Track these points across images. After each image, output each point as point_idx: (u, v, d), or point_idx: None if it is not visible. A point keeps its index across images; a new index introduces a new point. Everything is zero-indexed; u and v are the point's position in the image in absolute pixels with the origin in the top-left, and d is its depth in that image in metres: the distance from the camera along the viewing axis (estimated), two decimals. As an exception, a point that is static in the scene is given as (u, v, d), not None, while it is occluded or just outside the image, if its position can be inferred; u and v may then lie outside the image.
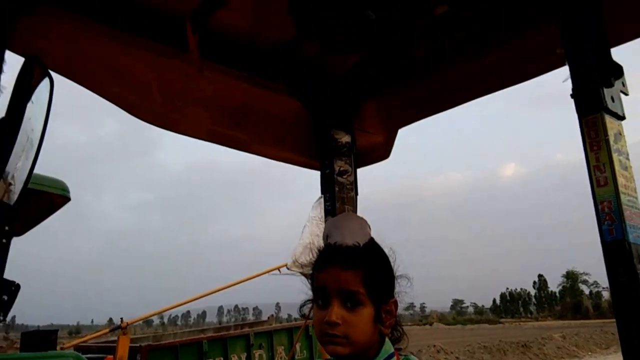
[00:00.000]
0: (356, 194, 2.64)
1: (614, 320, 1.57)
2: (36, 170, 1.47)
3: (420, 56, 2.42)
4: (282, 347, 9.84)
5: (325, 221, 2.44)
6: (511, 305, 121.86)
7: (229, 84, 2.38)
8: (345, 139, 2.64)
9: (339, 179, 2.58)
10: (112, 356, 7.29)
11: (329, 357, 1.20)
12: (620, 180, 1.60)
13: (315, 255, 1.25)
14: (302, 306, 1.32)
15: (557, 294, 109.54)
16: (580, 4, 1.77)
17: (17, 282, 1.42)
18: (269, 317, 12.09)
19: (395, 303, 1.22)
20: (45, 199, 4.45)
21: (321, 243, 1.25)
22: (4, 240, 1.41)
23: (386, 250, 1.25)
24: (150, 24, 2.07)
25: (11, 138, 1.28)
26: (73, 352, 5.67)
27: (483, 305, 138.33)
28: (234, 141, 2.54)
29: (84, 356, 4.91)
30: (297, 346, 9.83)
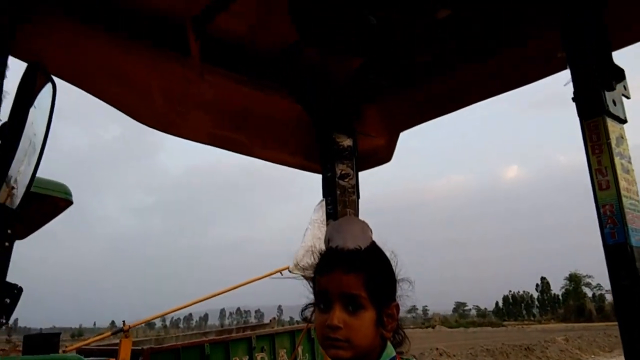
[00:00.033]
0: (358, 197, 2.64)
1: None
2: (39, 174, 1.47)
3: (422, 60, 2.42)
4: (284, 350, 9.81)
5: (327, 224, 2.44)
6: (514, 308, 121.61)
7: (230, 88, 2.39)
8: (347, 142, 2.64)
9: (341, 182, 2.58)
10: (114, 359, 7.28)
11: (330, 360, 1.20)
12: (622, 184, 1.60)
13: (317, 258, 1.25)
14: (303, 310, 1.31)
15: (560, 297, 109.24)
16: (581, 8, 1.76)
17: (19, 285, 1.42)
18: (271, 320, 12.05)
19: (397, 306, 1.22)
20: (47, 202, 4.45)
21: (323, 246, 1.24)
22: (6, 244, 1.42)
23: (388, 254, 1.24)
24: (151, 29, 2.07)
25: (14, 142, 1.28)
26: (75, 355, 5.67)
27: (486, 308, 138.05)
28: (235, 144, 2.54)
29: (86, 359, 4.91)
30: (299, 349, 9.81)
